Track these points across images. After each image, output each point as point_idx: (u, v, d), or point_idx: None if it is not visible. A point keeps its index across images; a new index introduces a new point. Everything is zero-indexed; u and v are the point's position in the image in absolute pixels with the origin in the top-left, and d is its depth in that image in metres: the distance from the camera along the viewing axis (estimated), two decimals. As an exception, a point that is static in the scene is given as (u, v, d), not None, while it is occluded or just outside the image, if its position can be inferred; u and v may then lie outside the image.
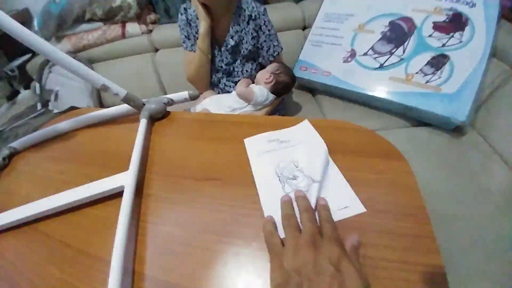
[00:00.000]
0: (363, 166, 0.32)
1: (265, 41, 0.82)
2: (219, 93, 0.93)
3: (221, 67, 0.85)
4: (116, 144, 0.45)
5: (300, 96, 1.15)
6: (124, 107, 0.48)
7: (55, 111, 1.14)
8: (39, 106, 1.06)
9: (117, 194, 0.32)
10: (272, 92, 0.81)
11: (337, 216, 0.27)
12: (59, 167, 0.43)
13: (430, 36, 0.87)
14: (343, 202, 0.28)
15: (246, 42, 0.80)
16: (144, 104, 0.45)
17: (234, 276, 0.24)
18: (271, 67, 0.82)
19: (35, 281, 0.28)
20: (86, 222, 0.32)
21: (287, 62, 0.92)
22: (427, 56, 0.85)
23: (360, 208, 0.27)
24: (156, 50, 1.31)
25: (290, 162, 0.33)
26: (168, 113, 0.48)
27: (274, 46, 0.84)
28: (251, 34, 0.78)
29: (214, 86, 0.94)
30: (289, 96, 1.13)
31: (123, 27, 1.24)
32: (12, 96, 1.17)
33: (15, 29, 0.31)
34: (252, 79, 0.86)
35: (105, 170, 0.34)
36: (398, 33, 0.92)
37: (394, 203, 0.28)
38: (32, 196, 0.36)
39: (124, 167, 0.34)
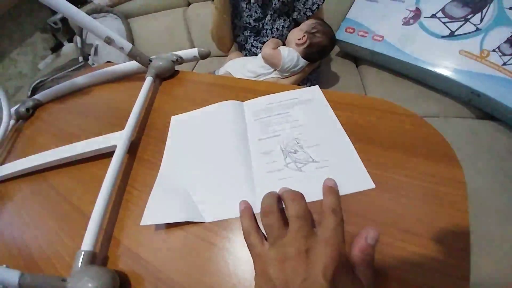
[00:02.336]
0: (399, 165, 0.24)
1: None
2: (246, 55, 0.85)
3: (249, 23, 0.75)
4: (127, 102, 0.44)
5: (340, 65, 0.99)
6: (136, 64, 0.45)
7: (95, 65, 1.21)
8: (80, 59, 1.12)
9: (113, 153, 0.31)
10: (304, 57, 0.69)
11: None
12: (75, 121, 0.45)
13: (510, 8, 0.66)
14: (350, 174, 0.24)
15: (280, -8, 0.67)
16: (150, 61, 0.41)
17: (206, 264, 0.22)
18: (306, 25, 0.69)
19: (32, 229, 0.29)
20: (85, 177, 0.33)
21: (331, 22, 0.76)
22: (507, 32, 0.66)
23: (369, 184, 0.23)
24: (189, 4, 1.24)
25: (292, 139, 0.28)
26: (177, 72, 0.44)
27: (313, -3, 0.69)
28: None
29: (241, 47, 0.86)
30: (327, 64, 0.98)
31: (157, -23, 1.17)
32: (56, 48, 1.25)
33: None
34: (283, 40, 0.75)
35: (113, 127, 0.33)
36: (476, -5, 0.70)
37: (428, 224, 0.20)
38: (47, 146, 0.38)
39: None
